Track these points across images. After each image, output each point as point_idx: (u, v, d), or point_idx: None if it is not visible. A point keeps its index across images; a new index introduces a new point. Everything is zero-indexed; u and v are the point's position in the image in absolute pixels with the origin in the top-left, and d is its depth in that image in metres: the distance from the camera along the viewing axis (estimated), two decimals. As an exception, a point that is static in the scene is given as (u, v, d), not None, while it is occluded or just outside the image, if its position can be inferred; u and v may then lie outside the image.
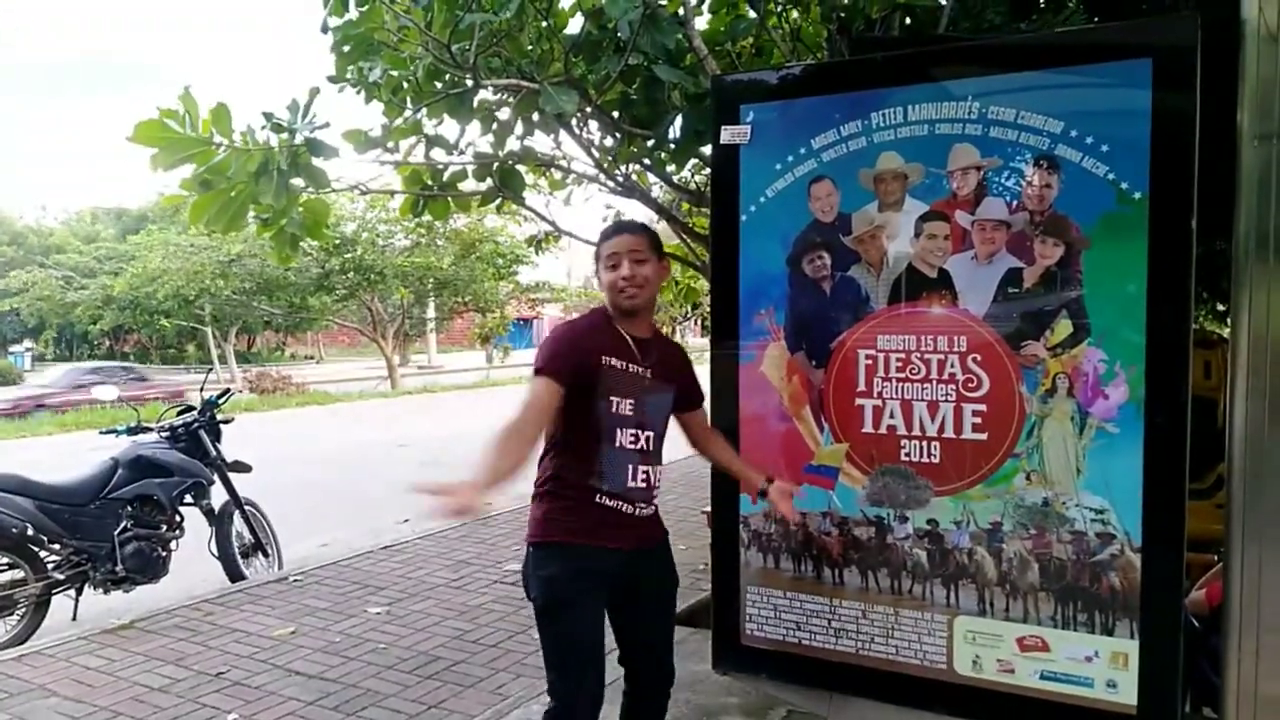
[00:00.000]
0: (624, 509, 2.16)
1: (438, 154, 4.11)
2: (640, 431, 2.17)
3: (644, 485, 2.18)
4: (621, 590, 2.22)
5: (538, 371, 2.09)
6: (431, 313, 26.82)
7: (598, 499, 2.13)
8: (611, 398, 2.13)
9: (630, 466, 2.16)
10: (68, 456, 7.88)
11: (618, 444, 2.14)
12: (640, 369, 2.18)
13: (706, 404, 2.46)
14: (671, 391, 2.25)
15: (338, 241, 20.01)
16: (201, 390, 5.56)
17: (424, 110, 3.83)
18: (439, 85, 3.75)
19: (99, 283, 26.60)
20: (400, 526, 6.58)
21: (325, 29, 3.68)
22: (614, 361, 2.14)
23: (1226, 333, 2.60)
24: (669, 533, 2.37)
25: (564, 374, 2.07)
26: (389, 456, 10.52)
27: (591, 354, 2.11)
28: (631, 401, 2.15)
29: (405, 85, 3.79)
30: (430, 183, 4.26)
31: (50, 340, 36.54)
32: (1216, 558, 2.69)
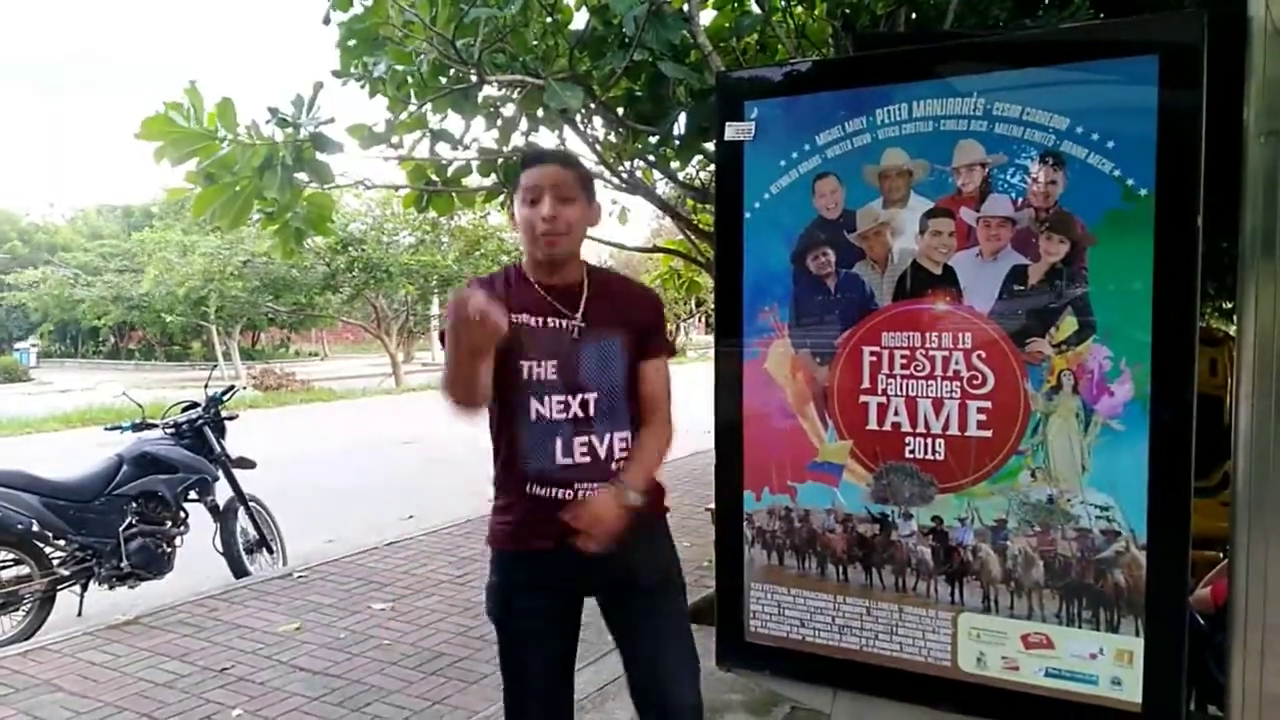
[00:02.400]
0: (560, 494, 1.82)
1: (442, 149, 4.12)
2: (571, 396, 1.82)
3: (587, 459, 1.84)
4: (598, 592, 1.95)
5: (445, 335, 1.76)
6: (435, 310, 26.85)
7: (529, 488, 1.82)
8: (524, 361, 1.81)
9: (559, 440, 1.82)
10: (73, 453, 7.90)
11: (534, 415, 1.82)
12: (562, 322, 1.84)
13: (708, 405, 2.15)
14: (617, 339, 1.89)
15: (345, 242, 20.05)
16: (206, 387, 5.58)
17: (428, 105, 3.84)
18: (443, 80, 3.76)
19: (105, 280, 26.68)
20: (404, 523, 6.60)
21: (327, 21, 3.68)
22: (526, 318, 1.82)
23: (1232, 330, 2.60)
24: (663, 515, 2.04)
25: None
26: (393, 453, 10.53)
27: (504, 311, 1.73)
28: (554, 362, 1.82)
29: (410, 80, 3.80)
30: (434, 178, 4.26)
31: (54, 337, 36.65)
32: (1222, 555, 2.68)
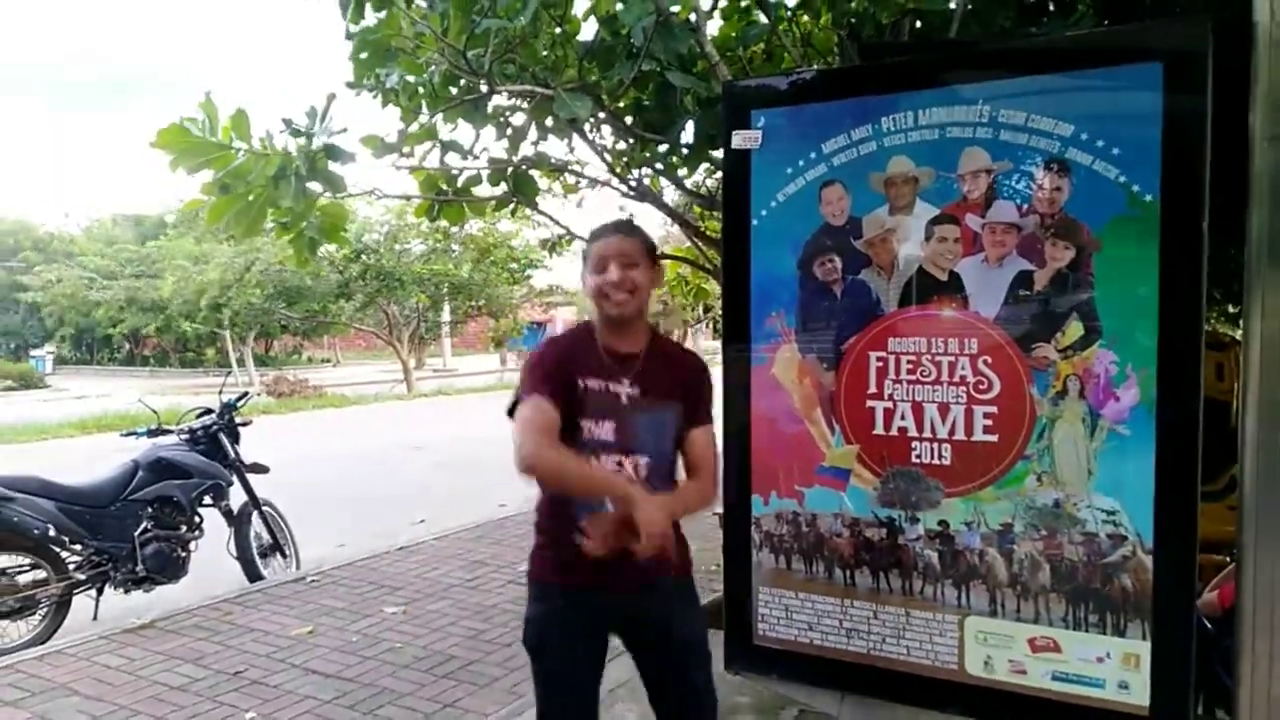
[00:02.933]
0: None
1: (452, 159, 4.15)
2: (625, 458, 1.98)
3: None
4: (629, 632, 2.10)
5: (527, 395, 1.93)
6: (446, 316, 26.96)
7: (575, 535, 1.92)
8: (584, 422, 1.96)
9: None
10: (89, 458, 7.97)
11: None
12: (620, 387, 1.99)
13: (717, 411, 2.23)
14: (670, 410, 2.04)
15: (359, 251, 20.18)
16: (220, 393, 5.63)
17: (439, 115, 3.87)
18: (454, 91, 3.80)
19: (121, 285, 26.90)
20: (416, 527, 6.63)
21: (349, 36, 3.73)
22: (591, 382, 1.97)
23: (1238, 335, 2.60)
24: (690, 564, 2.16)
25: (556, 394, 1.92)
26: (405, 458, 10.58)
27: (572, 374, 1.96)
28: (612, 424, 1.97)
29: (421, 91, 3.84)
30: (445, 187, 4.30)
31: (70, 344, 36.93)
32: (1229, 559, 2.68)
